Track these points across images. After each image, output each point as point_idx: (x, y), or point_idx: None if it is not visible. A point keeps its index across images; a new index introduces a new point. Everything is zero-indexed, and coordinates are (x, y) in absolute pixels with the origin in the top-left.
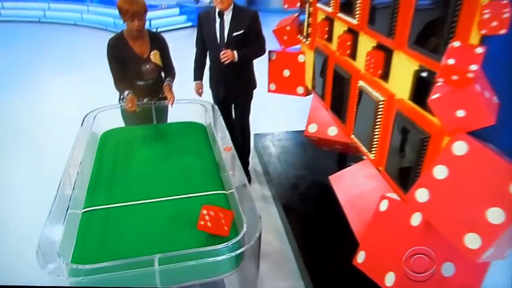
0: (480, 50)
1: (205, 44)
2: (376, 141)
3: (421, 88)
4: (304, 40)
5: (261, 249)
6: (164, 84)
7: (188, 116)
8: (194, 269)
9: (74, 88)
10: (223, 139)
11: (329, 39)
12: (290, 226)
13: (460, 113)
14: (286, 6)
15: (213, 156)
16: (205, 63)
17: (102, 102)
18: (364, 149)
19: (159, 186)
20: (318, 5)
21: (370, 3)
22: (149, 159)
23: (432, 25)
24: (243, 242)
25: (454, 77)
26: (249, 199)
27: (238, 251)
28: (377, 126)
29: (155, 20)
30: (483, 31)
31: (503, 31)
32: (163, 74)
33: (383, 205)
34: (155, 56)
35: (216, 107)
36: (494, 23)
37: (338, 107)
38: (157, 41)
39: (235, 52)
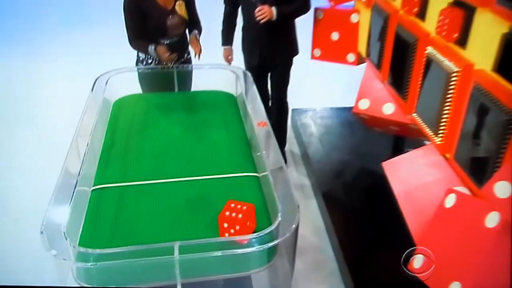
0: None
1: (237, 0)
2: (445, 122)
3: (509, 57)
4: None
5: (297, 245)
6: (190, 35)
7: (215, 85)
8: (219, 261)
9: (82, 45)
10: (256, 112)
11: None
12: (331, 221)
13: None
14: None
15: (244, 132)
16: (235, 24)
17: (114, 64)
18: (428, 131)
19: (181, 164)
20: None
21: None
22: (170, 132)
23: None
24: (277, 234)
25: None
26: (285, 185)
27: (270, 244)
28: (447, 104)
29: None
30: None
31: None
32: (187, 32)
33: (450, 201)
34: (180, 7)
35: (249, 74)
36: None
37: (398, 79)
38: None
39: (273, 8)
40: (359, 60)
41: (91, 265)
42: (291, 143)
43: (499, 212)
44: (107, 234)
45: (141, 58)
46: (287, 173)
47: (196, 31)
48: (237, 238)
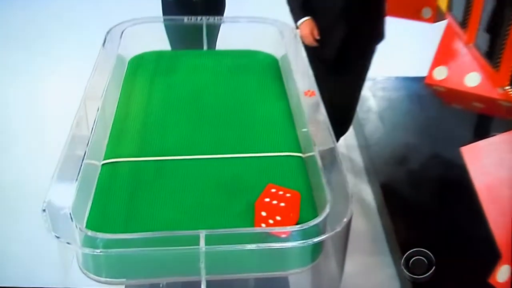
0: None
1: None
2: None
3: None
4: None
5: (348, 243)
6: None
7: (253, 43)
8: (252, 257)
9: None
10: (303, 78)
11: None
12: (390, 218)
13: None
14: None
15: (287, 102)
16: None
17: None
18: None
19: (210, 139)
20: None
21: None
22: (198, 99)
23: None
24: (324, 228)
25: None
26: (337, 169)
27: (315, 240)
28: None
29: None
30: None
31: None
32: None
33: None
34: None
35: (296, 32)
36: None
37: (489, 42)
38: None
39: None
40: (437, 17)
41: (100, 251)
42: None
43: None
44: (120, 217)
45: None
46: (338, 155)
47: None
48: (276, 230)
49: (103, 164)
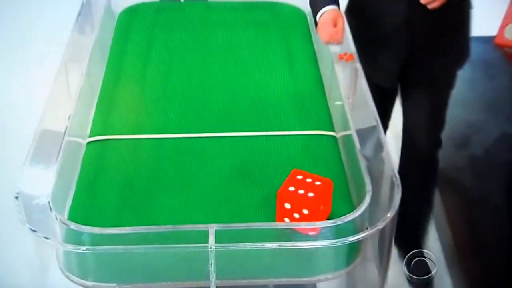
0: None
1: None
2: None
3: None
4: None
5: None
6: None
7: None
8: (271, 258)
9: None
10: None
11: None
12: (446, 215)
13: None
14: None
15: (317, 67)
16: None
17: None
18: None
19: (219, 113)
20: None
21: None
22: (207, 63)
23: None
24: (362, 224)
25: None
26: (379, 152)
27: (352, 239)
28: None
29: None
30: None
31: None
32: None
33: None
34: None
35: None
36: None
37: None
38: None
39: None
40: None
41: (86, 249)
42: None
43: None
44: (111, 207)
45: None
46: (382, 135)
47: None
48: (303, 226)
49: (89, 142)
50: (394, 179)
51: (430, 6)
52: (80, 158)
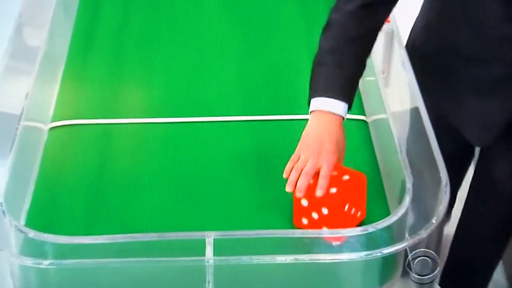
0: None
1: None
2: None
3: None
4: None
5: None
6: None
7: None
8: (284, 274)
9: None
10: None
11: None
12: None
13: None
14: None
15: None
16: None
17: None
18: None
19: (220, 92)
20: None
21: None
22: (199, 29)
23: None
24: (401, 231)
25: None
26: (421, 140)
27: (386, 250)
28: None
29: None
30: None
31: None
32: None
33: None
34: None
35: None
36: None
37: None
38: None
39: None
40: None
41: (49, 263)
42: None
43: None
44: (80, 211)
45: None
46: (426, 119)
47: None
48: (325, 233)
49: (51, 128)
50: (440, 174)
51: None
52: (40, 148)
